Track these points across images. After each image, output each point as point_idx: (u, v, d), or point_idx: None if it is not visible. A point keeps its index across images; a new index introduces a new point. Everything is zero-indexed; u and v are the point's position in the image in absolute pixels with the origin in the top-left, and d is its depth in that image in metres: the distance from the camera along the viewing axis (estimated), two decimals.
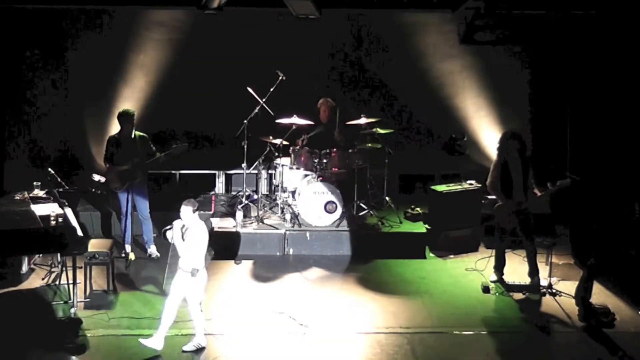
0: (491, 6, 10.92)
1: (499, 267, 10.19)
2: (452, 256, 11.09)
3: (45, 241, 8.82)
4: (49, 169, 10.18)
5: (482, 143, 12.82)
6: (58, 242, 8.81)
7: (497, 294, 9.95)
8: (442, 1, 11.65)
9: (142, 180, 10.66)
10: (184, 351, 8.40)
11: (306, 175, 11.27)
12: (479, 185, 11.39)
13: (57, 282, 9.78)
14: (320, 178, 11.08)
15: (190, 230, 8.26)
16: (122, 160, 10.48)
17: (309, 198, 11.07)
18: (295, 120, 11.18)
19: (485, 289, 9.98)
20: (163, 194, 12.27)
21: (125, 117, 10.53)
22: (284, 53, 12.52)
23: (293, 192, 11.48)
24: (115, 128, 11.95)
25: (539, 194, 9.76)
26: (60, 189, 10.09)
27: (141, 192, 10.69)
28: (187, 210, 8.22)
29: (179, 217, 8.33)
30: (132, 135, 10.50)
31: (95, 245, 9.77)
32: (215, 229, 11.08)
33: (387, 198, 11.82)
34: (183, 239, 8.26)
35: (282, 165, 11.35)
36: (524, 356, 8.71)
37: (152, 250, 10.74)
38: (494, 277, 10.19)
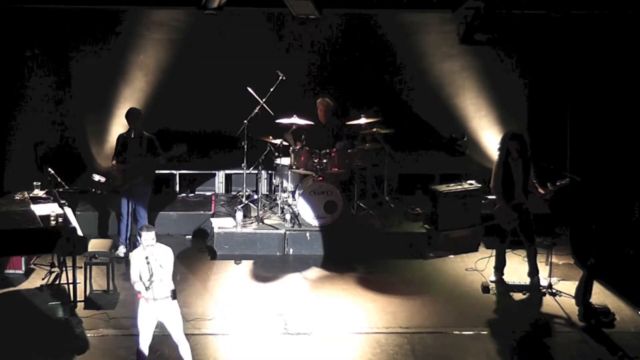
0: (491, 6, 10.93)
1: (499, 267, 10.18)
2: (452, 256, 11.09)
3: (45, 241, 8.82)
4: (49, 169, 10.18)
5: (482, 143, 12.82)
6: (58, 242, 8.79)
7: (497, 294, 9.96)
8: (442, 1, 11.66)
9: (145, 182, 10.65)
10: None
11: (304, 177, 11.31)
12: (479, 185, 11.40)
13: (57, 282, 9.77)
14: (320, 178, 11.08)
15: (162, 253, 7.72)
16: (127, 159, 10.50)
17: (309, 198, 11.07)
18: (295, 120, 11.18)
19: (485, 289, 9.98)
20: (161, 194, 12.27)
21: (132, 116, 10.56)
22: (284, 53, 12.54)
23: (293, 192, 11.49)
24: (115, 128, 12.00)
25: (542, 191, 9.77)
26: (60, 189, 10.09)
27: (142, 192, 10.68)
28: (151, 235, 7.58)
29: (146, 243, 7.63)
30: (139, 135, 10.51)
31: (95, 245, 9.77)
32: (216, 229, 11.09)
33: (386, 198, 11.84)
34: (158, 267, 7.61)
35: (282, 166, 11.37)
36: (524, 356, 8.71)
37: None
38: (494, 277, 10.19)
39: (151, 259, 7.59)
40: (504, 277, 10.18)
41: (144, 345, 7.77)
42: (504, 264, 10.20)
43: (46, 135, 12.38)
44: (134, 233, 10.74)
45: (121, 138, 10.67)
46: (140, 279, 7.64)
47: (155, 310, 7.70)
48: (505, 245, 10.16)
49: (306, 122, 11.24)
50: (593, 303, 9.27)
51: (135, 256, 7.74)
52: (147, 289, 7.58)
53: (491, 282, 10.15)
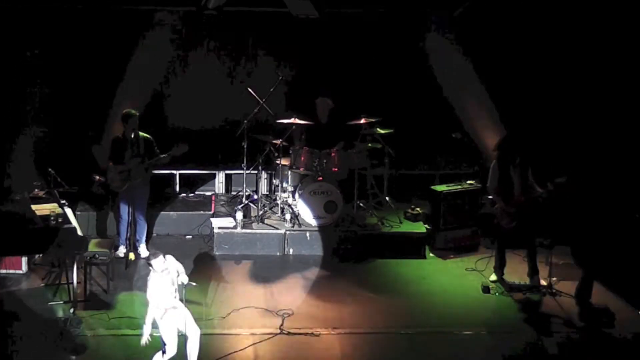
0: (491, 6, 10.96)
1: (499, 267, 10.19)
2: (452, 256, 11.09)
3: (45, 241, 8.82)
4: (49, 169, 10.18)
5: (482, 143, 12.79)
6: (58, 242, 8.80)
7: (497, 294, 9.96)
8: (442, 1, 11.68)
9: (143, 182, 10.66)
10: None
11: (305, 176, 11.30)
12: (479, 185, 11.40)
13: (57, 282, 9.77)
14: (320, 178, 11.08)
15: (175, 265, 7.85)
16: (124, 161, 10.50)
17: (309, 198, 11.07)
18: (295, 120, 11.18)
19: (485, 289, 9.98)
20: (161, 194, 12.28)
21: (128, 118, 10.55)
22: (284, 53, 12.54)
23: (293, 192, 11.49)
24: (115, 128, 11.97)
25: (540, 191, 9.77)
26: (60, 189, 10.09)
27: (141, 193, 10.69)
28: (161, 260, 7.67)
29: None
30: (136, 136, 10.51)
31: (95, 245, 9.78)
32: (216, 229, 11.09)
33: (387, 198, 11.83)
34: (181, 278, 7.77)
35: (282, 166, 11.37)
36: (524, 356, 8.71)
37: (142, 250, 10.74)
38: (494, 277, 10.19)
39: (172, 276, 7.69)
40: (504, 277, 10.18)
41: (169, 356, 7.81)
42: (504, 264, 10.20)
43: (46, 136, 12.37)
44: (133, 233, 10.75)
45: (117, 140, 10.65)
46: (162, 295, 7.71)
47: (178, 315, 7.79)
48: (505, 246, 10.17)
49: (306, 122, 11.24)
50: (593, 303, 9.28)
51: (154, 283, 7.72)
52: (181, 300, 7.70)
53: (491, 282, 10.16)
